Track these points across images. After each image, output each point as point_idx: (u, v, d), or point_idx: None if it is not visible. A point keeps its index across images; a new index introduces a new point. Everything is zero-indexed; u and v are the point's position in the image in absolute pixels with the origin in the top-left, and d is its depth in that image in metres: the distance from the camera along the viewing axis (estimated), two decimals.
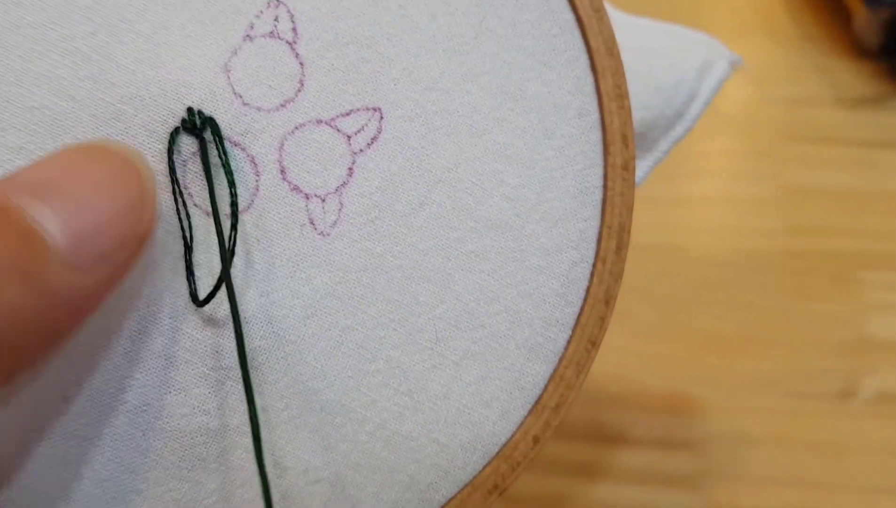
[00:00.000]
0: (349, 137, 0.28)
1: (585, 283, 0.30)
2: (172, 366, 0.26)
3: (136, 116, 0.26)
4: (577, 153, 0.30)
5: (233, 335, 0.27)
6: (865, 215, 0.54)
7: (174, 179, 0.26)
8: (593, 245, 0.30)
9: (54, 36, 0.26)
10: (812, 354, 0.49)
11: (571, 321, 0.30)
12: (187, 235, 0.26)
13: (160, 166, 0.26)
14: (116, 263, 0.21)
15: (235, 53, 0.27)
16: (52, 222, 0.20)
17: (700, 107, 0.35)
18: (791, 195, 0.55)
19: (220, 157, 0.26)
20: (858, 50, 0.60)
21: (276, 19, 0.27)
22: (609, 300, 0.30)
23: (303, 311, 0.27)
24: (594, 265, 0.30)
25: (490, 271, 0.29)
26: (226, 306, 0.27)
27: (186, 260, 0.26)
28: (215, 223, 0.26)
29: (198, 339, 0.26)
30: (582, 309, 0.30)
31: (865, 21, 0.57)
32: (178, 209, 0.26)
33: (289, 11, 0.28)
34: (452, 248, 0.29)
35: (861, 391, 0.44)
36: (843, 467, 0.42)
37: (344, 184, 0.28)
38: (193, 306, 0.26)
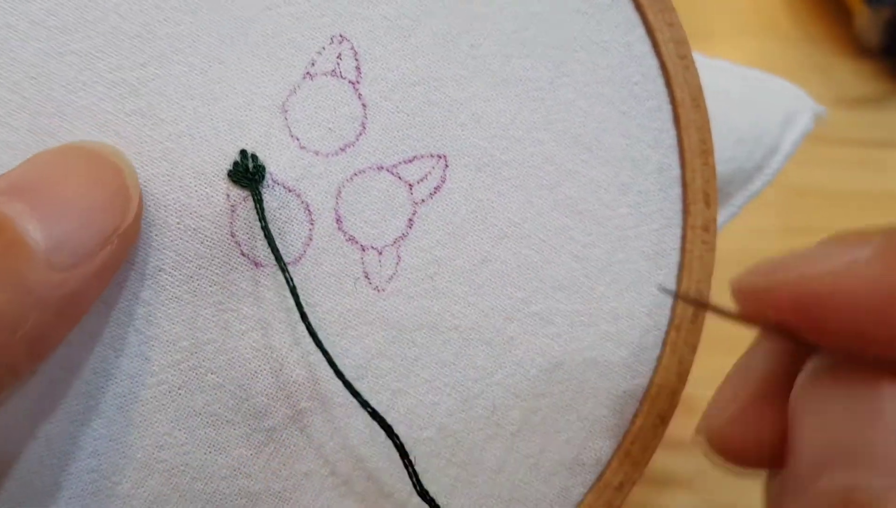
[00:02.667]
0: (411, 186, 0.26)
1: (657, 352, 0.28)
2: (213, 425, 0.25)
3: (184, 156, 0.24)
4: (653, 211, 0.27)
5: (278, 395, 0.25)
6: (865, 214, 0.54)
7: (265, 227, 0.24)
8: (667, 312, 0.28)
9: (101, 66, 0.24)
10: None
11: (640, 394, 0.27)
12: (290, 283, 0.24)
13: (206, 211, 0.24)
14: (100, 260, 0.21)
15: (294, 92, 0.25)
16: (31, 222, 0.20)
17: (781, 161, 0.32)
18: (790, 195, 0.55)
19: (259, 219, 0.24)
20: (859, 49, 0.59)
21: (339, 57, 0.25)
22: (682, 373, 0.27)
23: (353, 372, 0.25)
24: (667, 334, 0.28)
25: (554, 335, 0.27)
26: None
27: (300, 310, 0.24)
28: (285, 279, 0.24)
29: (241, 397, 0.25)
30: (652, 381, 0.27)
31: (866, 20, 0.57)
32: (282, 268, 0.24)
33: (353, 49, 0.26)
34: (515, 309, 0.26)
35: None
36: None
37: (403, 236, 0.26)
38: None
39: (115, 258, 0.22)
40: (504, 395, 0.26)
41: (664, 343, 0.28)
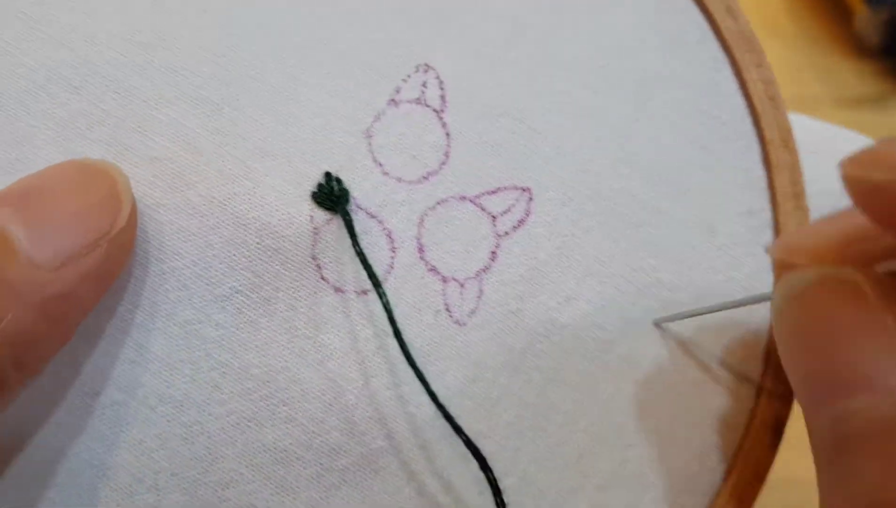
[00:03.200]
0: (494, 218, 0.25)
1: (751, 404, 0.26)
2: (283, 462, 0.23)
3: (266, 175, 0.24)
4: (744, 254, 0.26)
5: (353, 432, 0.23)
6: None
7: (360, 252, 0.23)
8: (760, 361, 0.26)
9: (185, 83, 0.24)
10: None
11: (733, 447, 0.26)
12: (387, 307, 0.23)
13: (287, 232, 0.23)
14: (88, 263, 0.20)
15: (378, 118, 0.25)
16: (13, 222, 0.20)
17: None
18: None
19: (354, 247, 0.23)
20: (859, 49, 0.58)
21: (424, 85, 0.25)
22: (779, 425, 0.26)
23: (432, 410, 0.24)
24: (762, 377, 0.26)
25: (642, 380, 0.25)
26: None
27: (397, 335, 0.23)
28: (385, 311, 0.23)
29: (314, 432, 0.23)
30: (746, 434, 0.26)
31: (866, 20, 0.56)
32: (378, 290, 0.23)
33: (438, 77, 0.25)
34: (601, 350, 0.25)
35: None
36: None
37: (486, 269, 0.25)
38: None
39: (107, 265, 0.21)
40: (590, 443, 0.25)
41: (759, 392, 0.26)
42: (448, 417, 0.22)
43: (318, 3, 0.25)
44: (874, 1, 0.56)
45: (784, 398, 0.26)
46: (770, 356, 0.26)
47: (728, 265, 0.26)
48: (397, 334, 0.22)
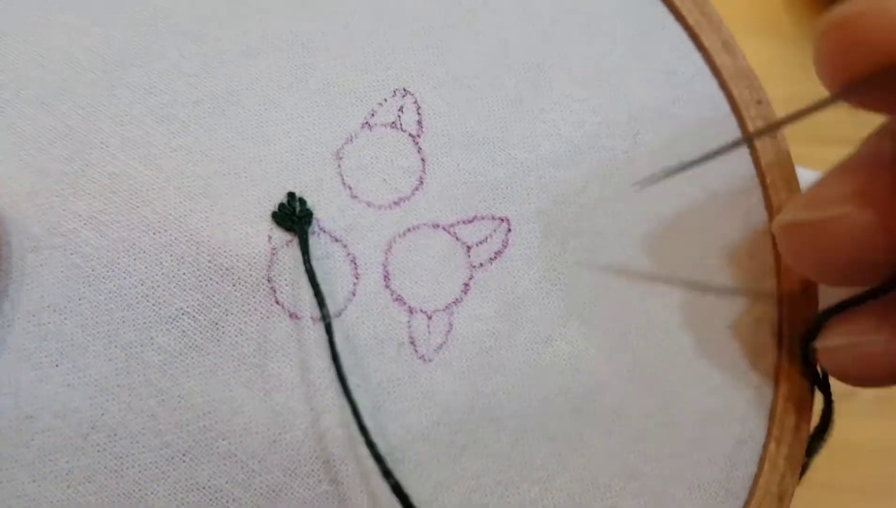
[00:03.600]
0: (469, 248, 0.23)
1: (753, 469, 0.23)
2: (216, 503, 0.21)
3: (226, 194, 0.22)
4: (751, 296, 0.24)
5: (297, 473, 0.21)
6: None
7: (309, 270, 0.22)
8: (765, 421, 0.23)
9: (153, 101, 0.23)
10: None
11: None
12: (330, 338, 0.21)
13: (243, 251, 0.22)
14: None
15: (351, 141, 0.23)
16: None
17: None
18: None
19: (305, 264, 0.22)
20: None
21: (400, 109, 0.24)
22: (784, 497, 0.23)
23: (388, 454, 0.21)
24: (765, 448, 0.23)
25: (631, 437, 0.22)
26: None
27: (338, 372, 0.21)
28: (327, 333, 0.21)
29: (254, 471, 0.21)
30: (747, 503, 0.23)
31: None
32: (324, 316, 0.21)
33: (416, 102, 0.24)
34: (585, 398, 0.22)
35: (861, 391, 0.41)
36: (843, 467, 0.40)
37: (457, 302, 0.23)
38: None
39: None
40: (567, 504, 0.22)
41: (762, 460, 0.23)
42: (370, 445, 0.20)
43: (297, 27, 0.24)
44: None
45: (790, 461, 0.23)
46: (774, 417, 0.23)
47: (733, 309, 0.24)
48: (335, 357, 0.20)
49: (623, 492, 0.22)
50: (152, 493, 0.20)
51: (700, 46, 0.26)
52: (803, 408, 0.23)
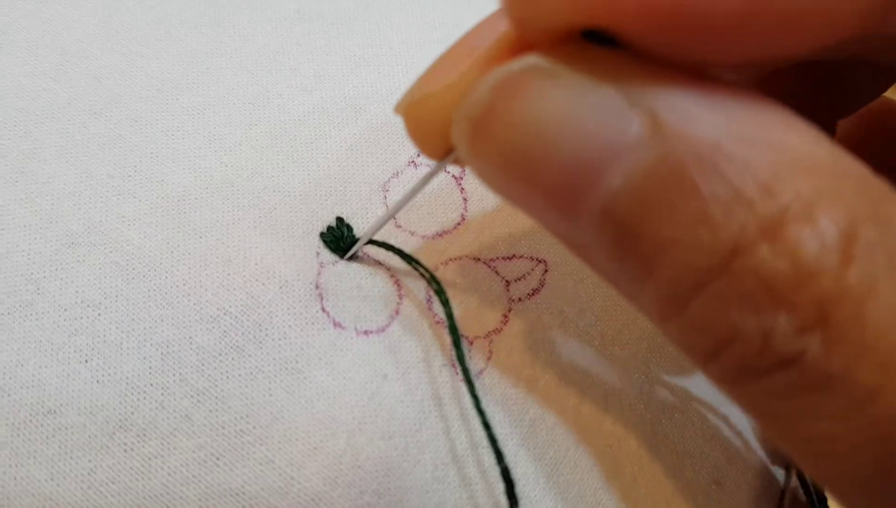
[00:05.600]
0: (508, 283, 0.24)
1: None
2: None
3: (276, 208, 0.23)
4: None
5: (337, 482, 0.20)
6: None
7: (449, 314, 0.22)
8: None
9: (206, 120, 0.24)
10: None
11: None
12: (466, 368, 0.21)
13: (291, 258, 0.22)
14: None
15: (397, 176, 0.24)
16: None
17: None
18: None
19: (409, 260, 0.22)
20: None
21: None
22: None
23: (430, 470, 0.21)
24: None
25: (670, 467, 0.22)
26: None
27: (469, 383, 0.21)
28: (458, 355, 0.21)
29: (291, 478, 0.20)
30: None
31: None
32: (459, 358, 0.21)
33: None
34: (604, 411, 0.23)
35: None
36: None
37: (496, 331, 0.23)
38: None
39: None
40: None
41: None
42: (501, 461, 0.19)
43: (352, 73, 0.26)
44: None
45: None
46: None
47: None
48: (473, 395, 0.20)
49: None
50: (180, 498, 0.19)
51: None
52: None
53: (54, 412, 0.19)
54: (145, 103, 0.24)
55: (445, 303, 0.21)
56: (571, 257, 0.25)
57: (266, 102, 0.24)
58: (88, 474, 0.19)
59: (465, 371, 0.21)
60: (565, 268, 0.24)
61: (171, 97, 0.24)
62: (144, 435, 0.20)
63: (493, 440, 0.20)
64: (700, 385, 0.24)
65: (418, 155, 0.25)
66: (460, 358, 0.21)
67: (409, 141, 0.18)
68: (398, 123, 0.25)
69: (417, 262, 0.22)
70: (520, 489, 0.21)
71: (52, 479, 0.19)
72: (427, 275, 0.22)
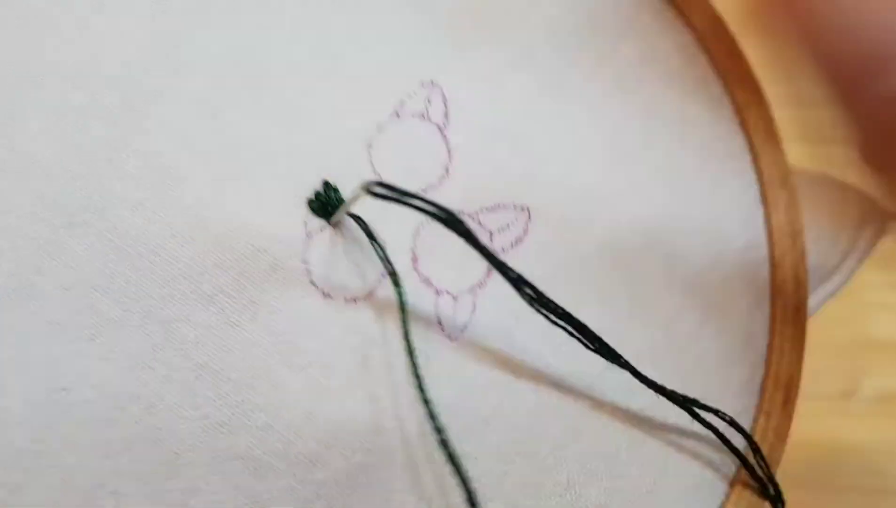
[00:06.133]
0: (491, 234, 0.24)
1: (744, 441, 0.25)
2: (255, 472, 0.21)
3: (261, 178, 0.23)
4: (743, 289, 0.26)
5: (332, 443, 0.22)
6: None
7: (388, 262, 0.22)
8: (756, 397, 0.25)
9: (189, 85, 0.24)
10: (812, 354, 0.45)
11: (726, 484, 0.24)
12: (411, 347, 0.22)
13: (279, 233, 0.23)
14: None
15: (381, 130, 0.24)
16: None
17: (855, 263, 0.31)
18: None
19: (371, 241, 0.23)
20: None
21: (428, 101, 0.25)
22: (772, 466, 0.25)
23: (416, 426, 0.22)
24: (755, 420, 0.25)
25: (638, 409, 0.24)
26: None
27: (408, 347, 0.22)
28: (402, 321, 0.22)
29: (290, 441, 0.22)
30: (739, 467, 0.25)
31: None
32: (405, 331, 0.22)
33: (443, 94, 0.25)
34: (595, 376, 0.24)
35: (861, 391, 0.43)
36: (843, 467, 0.41)
37: (480, 284, 0.24)
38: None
39: None
40: (580, 471, 0.23)
41: (752, 430, 0.25)
42: (440, 431, 0.21)
43: (330, 17, 0.25)
44: None
45: (778, 436, 0.25)
46: (763, 395, 0.25)
47: (729, 298, 0.26)
48: (407, 337, 0.22)
49: (630, 461, 0.24)
50: (190, 462, 0.21)
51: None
52: (790, 386, 0.25)
53: (66, 388, 0.21)
54: (124, 68, 0.23)
55: (401, 298, 0.22)
56: (554, 203, 0.25)
57: (249, 56, 0.24)
58: (104, 445, 0.21)
59: (415, 367, 0.22)
60: (548, 214, 0.25)
61: (151, 61, 0.23)
62: (152, 407, 0.21)
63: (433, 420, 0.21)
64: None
65: (402, 105, 0.25)
66: (410, 352, 0.22)
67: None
68: (381, 67, 0.25)
69: (381, 247, 0.22)
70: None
71: (71, 451, 0.21)
72: (389, 268, 0.22)
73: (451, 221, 0.20)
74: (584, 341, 0.22)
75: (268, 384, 0.22)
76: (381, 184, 0.20)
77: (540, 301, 0.21)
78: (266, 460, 0.21)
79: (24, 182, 0.22)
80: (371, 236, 0.22)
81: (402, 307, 0.22)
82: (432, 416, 0.21)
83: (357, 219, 0.23)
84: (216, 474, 0.21)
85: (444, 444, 0.20)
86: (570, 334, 0.22)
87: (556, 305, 0.21)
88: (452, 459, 0.20)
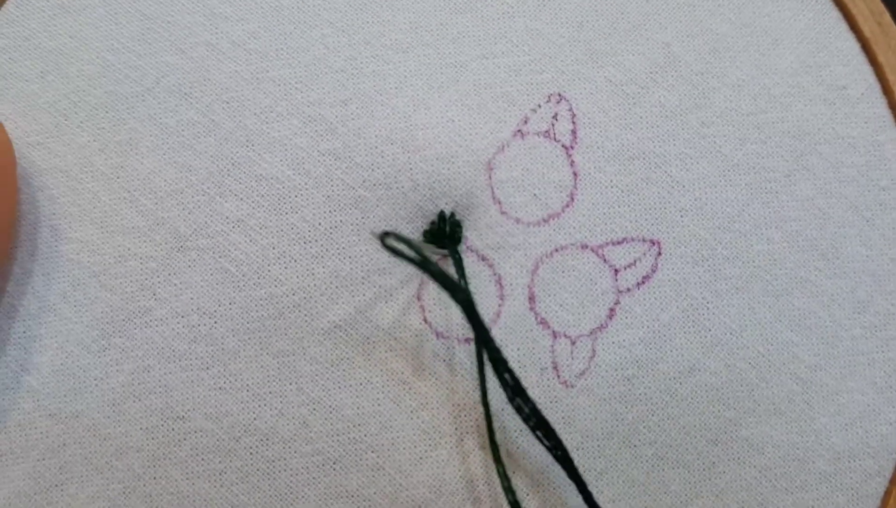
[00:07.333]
0: (617, 272, 0.23)
1: (877, 503, 0.23)
2: None
3: (377, 206, 0.22)
4: (892, 338, 0.23)
5: (441, 491, 0.22)
6: None
7: (465, 298, 0.20)
8: (895, 457, 0.23)
9: (300, 98, 0.22)
10: None
11: None
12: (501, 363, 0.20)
13: (396, 269, 0.22)
14: None
15: (502, 150, 0.23)
16: None
17: None
18: None
19: (454, 292, 0.21)
20: None
21: (554, 117, 0.23)
22: None
23: (527, 478, 0.22)
24: (892, 483, 0.23)
25: (763, 467, 0.23)
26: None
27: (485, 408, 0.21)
28: (478, 357, 0.21)
29: (400, 485, 0.21)
30: None
31: None
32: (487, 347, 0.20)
33: (571, 110, 0.23)
34: (722, 430, 0.23)
35: None
36: None
37: (601, 327, 0.22)
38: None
39: None
40: None
41: (888, 494, 0.23)
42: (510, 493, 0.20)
43: (448, 19, 0.23)
44: None
45: None
46: None
47: (874, 347, 0.23)
48: (482, 381, 0.21)
49: None
50: (303, 497, 0.21)
51: (873, 62, 0.24)
52: None
53: (182, 417, 0.21)
54: (234, 79, 0.22)
55: (481, 365, 0.21)
56: (688, 236, 0.23)
57: (359, 70, 0.22)
58: (220, 474, 0.21)
59: (494, 448, 0.21)
60: (681, 249, 0.23)
61: (260, 69, 0.22)
62: (267, 440, 0.21)
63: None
64: None
65: (525, 122, 0.23)
66: (491, 438, 0.21)
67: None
68: (504, 77, 0.23)
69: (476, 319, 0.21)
70: None
71: (187, 478, 0.21)
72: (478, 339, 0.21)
73: (449, 285, 0.18)
74: (549, 445, 0.20)
75: (379, 423, 0.21)
76: (389, 234, 0.18)
77: (515, 391, 0.20)
78: (377, 501, 0.21)
79: (133, 199, 0.22)
80: (452, 288, 0.21)
81: (481, 375, 0.21)
82: (503, 477, 0.20)
83: (456, 259, 0.21)
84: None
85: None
86: (533, 431, 0.20)
87: (530, 402, 0.20)
88: None
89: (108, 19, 0.23)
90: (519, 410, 0.20)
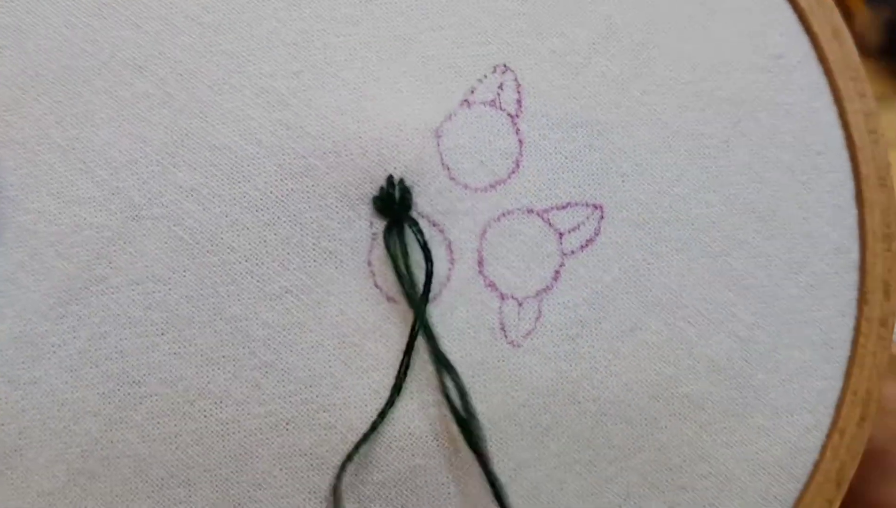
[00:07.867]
0: (561, 235, 0.23)
1: (815, 456, 0.24)
2: (318, 469, 0.22)
3: (327, 174, 0.23)
4: (826, 296, 0.24)
5: (392, 446, 0.22)
6: None
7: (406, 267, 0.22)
8: (831, 411, 0.24)
9: (252, 70, 0.23)
10: None
11: (791, 500, 0.24)
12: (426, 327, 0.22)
13: (345, 235, 0.22)
14: None
15: (450, 119, 0.23)
16: None
17: None
18: None
19: (419, 242, 0.22)
20: (859, 49, 0.55)
21: (500, 87, 0.24)
22: (841, 483, 0.24)
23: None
24: (829, 437, 0.24)
25: (704, 422, 0.24)
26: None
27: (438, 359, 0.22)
28: (420, 322, 0.22)
29: (352, 442, 0.22)
30: (807, 487, 0.24)
31: (866, 20, 0.56)
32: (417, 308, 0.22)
33: (516, 80, 0.24)
34: (663, 387, 0.23)
35: None
36: None
37: (547, 289, 0.23)
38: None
39: None
40: (640, 483, 0.23)
41: (824, 447, 0.24)
42: (484, 464, 0.21)
43: None
44: (874, 1, 0.56)
45: (851, 452, 0.24)
46: (840, 411, 0.24)
47: (809, 306, 0.24)
48: (442, 362, 0.21)
49: (693, 474, 0.24)
50: (258, 456, 0.22)
51: (809, 31, 0.25)
52: (868, 402, 0.24)
53: (138, 382, 0.22)
54: (188, 53, 0.23)
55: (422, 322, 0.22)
56: (629, 200, 0.24)
57: (310, 42, 0.23)
58: (175, 437, 0.22)
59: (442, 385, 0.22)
60: (623, 213, 0.24)
61: (213, 42, 0.23)
62: (221, 402, 0.22)
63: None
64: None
65: (472, 92, 0.24)
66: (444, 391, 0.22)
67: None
68: (451, 49, 0.24)
69: (420, 297, 0.22)
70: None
71: (143, 441, 0.22)
72: (410, 295, 0.22)
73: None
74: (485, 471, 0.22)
75: (331, 384, 0.22)
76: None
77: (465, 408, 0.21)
78: (328, 457, 0.22)
79: (88, 169, 0.22)
80: (426, 249, 0.22)
81: (430, 335, 0.22)
82: (460, 423, 0.21)
83: (414, 225, 0.22)
84: (281, 469, 0.22)
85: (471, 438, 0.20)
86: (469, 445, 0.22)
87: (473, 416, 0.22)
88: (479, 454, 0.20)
89: None
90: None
